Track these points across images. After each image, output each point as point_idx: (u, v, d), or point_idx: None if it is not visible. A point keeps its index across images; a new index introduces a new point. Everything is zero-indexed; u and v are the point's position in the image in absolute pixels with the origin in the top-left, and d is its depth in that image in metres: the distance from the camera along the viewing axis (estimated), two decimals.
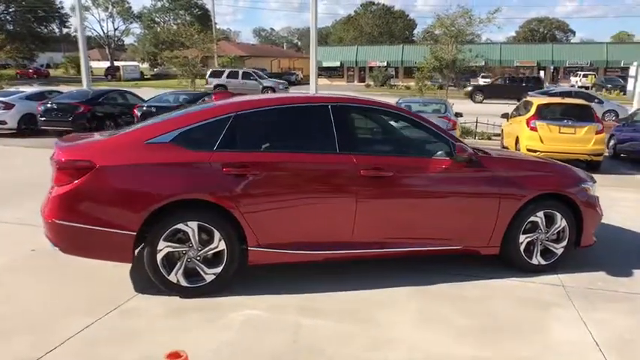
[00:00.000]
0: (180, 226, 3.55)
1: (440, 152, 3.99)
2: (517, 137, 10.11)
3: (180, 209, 3.54)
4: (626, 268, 4.46)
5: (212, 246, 3.63)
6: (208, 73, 30.23)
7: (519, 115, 10.79)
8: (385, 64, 56.01)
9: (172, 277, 3.61)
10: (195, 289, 3.65)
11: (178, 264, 3.61)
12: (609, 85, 35.12)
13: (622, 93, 32.89)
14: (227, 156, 3.64)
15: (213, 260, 3.67)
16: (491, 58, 45.10)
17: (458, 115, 11.91)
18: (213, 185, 3.58)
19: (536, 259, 4.29)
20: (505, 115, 11.72)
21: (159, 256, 3.56)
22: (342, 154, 3.80)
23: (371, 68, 54.87)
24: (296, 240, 3.79)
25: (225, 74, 30.56)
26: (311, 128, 3.96)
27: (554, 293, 3.94)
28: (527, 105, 10.63)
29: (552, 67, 49.00)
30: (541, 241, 4.28)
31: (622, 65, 47.24)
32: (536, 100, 11.02)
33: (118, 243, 3.52)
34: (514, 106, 12.32)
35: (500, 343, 3.17)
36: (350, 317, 3.44)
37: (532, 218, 4.20)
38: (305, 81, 58.70)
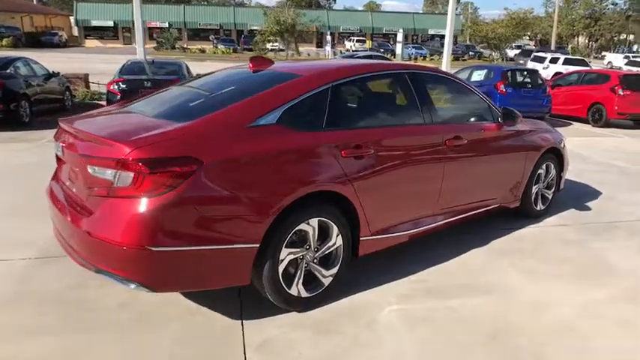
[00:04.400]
0: (302, 226, 2.89)
1: (490, 117, 4.15)
2: None
3: (301, 206, 2.86)
4: (587, 204, 5.47)
5: (330, 243, 3.08)
6: None
7: None
8: (167, 24, 52.42)
9: (294, 290, 2.95)
10: (315, 297, 3.07)
11: (298, 272, 2.96)
12: (382, 50, 40.34)
13: (392, 56, 38.20)
14: (339, 136, 3.07)
15: (327, 260, 3.13)
16: None
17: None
18: (334, 172, 2.98)
19: (539, 206, 4.92)
20: None
21: (281, 268, 2.85)
22: (430, 124, 3.62)
23: (150, 29, 50.57)
24: (397, 221, 3.50)
25: None
26: (398, 99, 3.62)
27: (572, 232, 4.60)
28: None
29: (329, 32, 53.44)
30: (540, 189, 4.91)
31: (384, 32, 54.67)
32: None
33: (235, 262, 2.69)
34: None
35: (596, 280, 3.60)
36: (476, 288, 3.40)
37: (539, 170, 4.78)
38: (72, 43, 50.72)
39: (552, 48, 40.52)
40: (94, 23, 54.44)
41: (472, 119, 4.06)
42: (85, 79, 14.84)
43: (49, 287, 3.26)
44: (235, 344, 2.68)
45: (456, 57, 40.23)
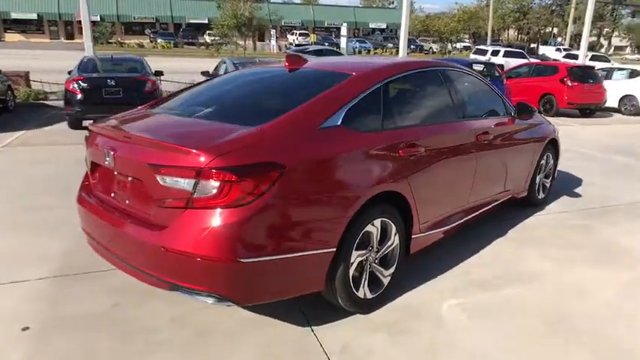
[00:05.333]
0: (368, 227, 2.86)
1: (505, 111, 4.30)
2: None
3: (368, 208, 2.82)
4: (575, 191, 5.81)
5: (389, 243, 3.07)
6: None
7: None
8: (98, 18, 49.71)
9: (361, 292, 2.92)
10: (376, 298, 3.05)
11: (364, 274, 2.94)
12: (327, 44, 40.52)
13: (337, 49, 38.50)
14: (396, 135, 3.06)
15: (385, 260, 3.12)
16: None
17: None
18: (395, 172, 2.97)
19: (540, 194, 5.18)
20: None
21: (351, 271, 2.81)
22: (464, 120, 3.71)
23: (80, 22, 47.73)
24: (440, 218, 3.55)
25: None
26: (437, 96, 3.65)
27: (575, 218, 4.88)
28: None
29: (271, 26, 52.86)
30: (541, 179, 5.16)
31: (326, 25, 54.87)
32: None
33: (315, 268, 2.62)
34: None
35: (620, 263, 3.85)
36: (516, 278, 3.53)
37: (542, 161, 5.02)
38: None
39: (489, 41, 42.55)
40: (15, 16, 50.46)
41: (492, 114, 4.19)
42: (26, 77, 13.78)
43: (85, 309, 3.01)
44: (317, 353, 2.61)
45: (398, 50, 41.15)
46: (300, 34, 48.74)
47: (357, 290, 2.89)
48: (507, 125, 4.25)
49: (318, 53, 22.22)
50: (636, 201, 5.51)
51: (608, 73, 14.39)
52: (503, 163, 4.26)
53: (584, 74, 13.02)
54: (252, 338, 2.73)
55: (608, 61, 26.11)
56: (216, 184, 2.27)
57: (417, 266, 3.60)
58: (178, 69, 17.52)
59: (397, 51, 41.06)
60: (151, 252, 2.43)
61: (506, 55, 25.72)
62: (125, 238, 2.59)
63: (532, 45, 52.15)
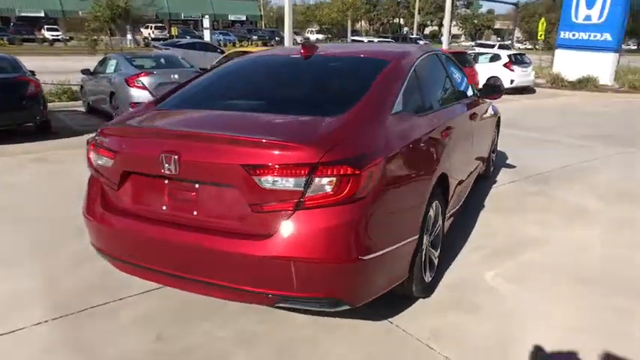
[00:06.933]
0: (430, 210, 2.88)
1: (474, 91, 4.61)
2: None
3: (433, 190, 2.83)
4: (507, 162, 6.47)
5: (438, 224, 3.14)
6: None
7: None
8: (43, 14, 41.94)
9: (427, 276, 2.94)
10: (433, 280, 3.10)
11: (425, 258, 2.94)
12: (188, 37, 38.69)
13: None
14: (438, 118, 3.14)
15: (435, 242, 3.16)
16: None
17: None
18: (444, 154, 3.03)
19: (491, 168, 5.68)
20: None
21: (423, 256, 2.81)
22: (463, 101, 3.92)
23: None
24: (456, 197, 3.68)
25: None
26: (442, 79, 3.75)
27: (526, 185, 5.46)
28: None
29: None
30: (490, 153, 5.66)
31: (183, 17, 52.43)
32: None
33: (403, 258, 2.58)
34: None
35: (590, 220, 4.42)
36: (527, 243, 3.85)
37: (493, 135, 5.50)
38: None
39: (349, 34, 44.69)
40: None
41: (470, 94, 4.46)
42: None
43: (134, 348, 2.54)
44: (412, 342, 2.57)
45: (264, 42, 41.21)
46: (157, 28, 45.98)
47: (425, 275, 2.90)
48: (481, 105, 4.57)
49: (190, 46, 21.19)
50: (558, 166, 6.33)
51: (475, 58, 16.17)
52: (481, 139, 4.58)
53: (459, 59, 14.50)
54: (340, 341, 2.58)
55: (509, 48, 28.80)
56: (332, 179, 2.08)
57: None
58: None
59: (263, 43, 41.08)
60: (253, 265, 2.14)
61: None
62: (204, 255, 2.24)
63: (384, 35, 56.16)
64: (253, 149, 2.13)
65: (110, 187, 2.55)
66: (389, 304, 2.85)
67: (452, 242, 3.79)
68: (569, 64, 17.62)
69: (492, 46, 30.37)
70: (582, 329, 2.70)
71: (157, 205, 2.39)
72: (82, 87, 11.62)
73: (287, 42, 16.81)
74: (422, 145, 2.76)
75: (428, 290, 2.99)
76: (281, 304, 2.25)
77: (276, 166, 2.08)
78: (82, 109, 11.30)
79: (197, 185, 2.28)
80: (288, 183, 2.09)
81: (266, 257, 2.10)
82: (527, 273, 3.36)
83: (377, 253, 2.25)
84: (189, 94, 3.04)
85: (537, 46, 33.52)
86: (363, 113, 2.45)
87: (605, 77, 17.06)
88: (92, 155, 2.65)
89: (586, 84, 16.71)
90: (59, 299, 2.99)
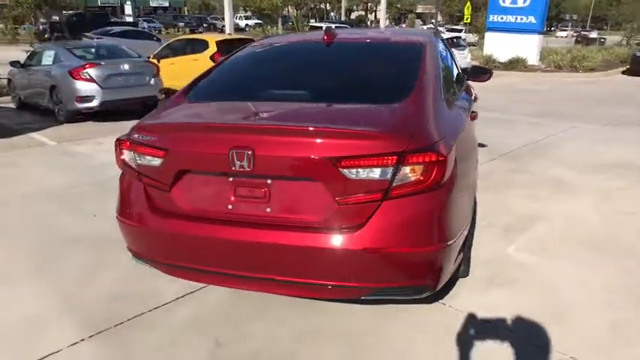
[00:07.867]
0: None
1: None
2: None
3: None
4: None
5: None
6: None
7: None
8: None
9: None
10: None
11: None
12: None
13: None
14: (462, 101, 3.21)
15: None
16: None
17: None
18: (476, 137, 3.10)
19: None
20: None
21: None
22: (464, 85, 4.02)
23: None
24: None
25: None
26: (452, 63, 3.81)
27: (506, 163, 5.75)
28: None
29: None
30: None
31: (100, 4, 49.19)
32: None
33: (463, 241, 2.60)
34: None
35: (577, 191, 4.73)
36: (533, 217, 4.05)
37: None
38: None
39: (280, 23, 44.04)
40: None
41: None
42: None
43: (196, 357, 2.40)
44: (469, 320, 2.64)
45: (192, 29, 39.65)
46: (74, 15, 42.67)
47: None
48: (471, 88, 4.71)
49: (123, 35, 20.01)
50: (524, 143, 6.70)
51: None
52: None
53: None
54: (403, 327, 2.59)
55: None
56: (419, 167, 2.06)
57: None
58: None
59: (190, 30, 39.47)
60: (341, 259, 2.08)
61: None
62: (282, 253, 2.13)
63: (312, 21, 56.13)
64: (339, 140, 2.05)
65: (157, 187, 2.35)
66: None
67: None
68: (499, 45, 18.59)
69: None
70: (617, 291, 2.91)
71: (221, 204, 2.24)
72: (9, 80, 10.60)
73: (228, 28, 16.32)
74: (468, 128, 2.81)
75: (469, 270, 3.07)
76: (369, 297, 2.21)
77: (364, 157, 2.02)
78: (12, 106, 10.33)
79: (269, 181, 2.16)
80: (375, 173, 2.04)
81: (355, 250, 2.05)
82: (544, 245, 3.55)
83: (456, 237, 2.28)
84: (226, 84, 2.86)
85: (465, 29, 35.05)
86: (426, 99, 2.43)
87: (533, 58, 18.20)
88: (127, 155, 2.42)
89: (516, 64, 17.74)
90: (85, 315, 2.74)
